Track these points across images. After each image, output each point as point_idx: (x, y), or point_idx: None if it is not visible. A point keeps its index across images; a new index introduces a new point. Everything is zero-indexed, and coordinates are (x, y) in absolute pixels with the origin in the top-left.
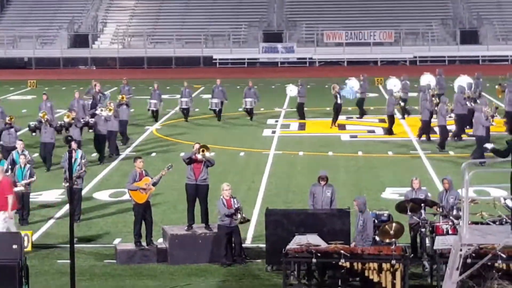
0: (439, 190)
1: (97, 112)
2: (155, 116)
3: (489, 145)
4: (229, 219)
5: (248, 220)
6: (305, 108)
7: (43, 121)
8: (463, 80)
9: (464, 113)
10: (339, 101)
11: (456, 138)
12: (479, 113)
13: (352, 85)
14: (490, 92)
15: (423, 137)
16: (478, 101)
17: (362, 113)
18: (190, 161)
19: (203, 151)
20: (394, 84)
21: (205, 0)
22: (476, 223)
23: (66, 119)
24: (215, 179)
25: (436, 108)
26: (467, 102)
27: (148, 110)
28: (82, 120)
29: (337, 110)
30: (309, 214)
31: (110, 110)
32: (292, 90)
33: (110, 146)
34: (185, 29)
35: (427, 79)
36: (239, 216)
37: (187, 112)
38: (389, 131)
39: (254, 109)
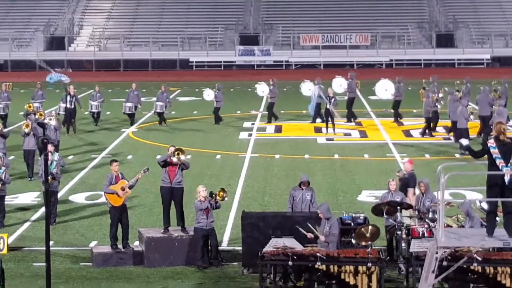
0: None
1: (45, 121)
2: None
3: (464, 141)
4: (205, 221)
5: (225, 196)
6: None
7: None
8: (384, 84)
9: (488, 115)
10: (327, 106)
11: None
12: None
13: (262, 89)
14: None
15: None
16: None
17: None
18: (165, 164)
19: (178, 154)
20: (309, 88)
21: (181, 3)
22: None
23: (26, 129)
24: (192, 182)
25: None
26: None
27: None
28: None
29: (330, 115)
30: (286, 217)
31: (50, 119)
32: (209, 95)
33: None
34: (161, 32)
35: (339, 82)
36: (217, 198)
37: (98, 116)
38: (423, 133)
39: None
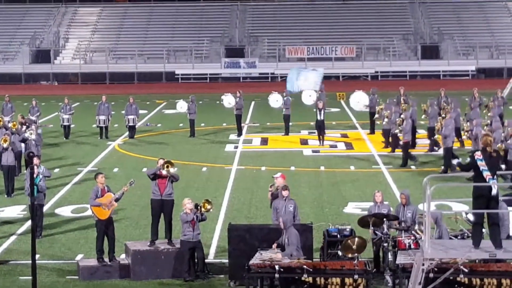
0: None
1: (26, 135)
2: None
3: (455, 161)
4: (192, 233)
5: (210, 208)
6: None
7: None
8: (357, 96)
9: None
10: (319, 118)
11: None
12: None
13: (229, 101)
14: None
15: None
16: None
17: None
18: (155, 176)
19: (167, 166)
20: (276, 99)
21: (167, 15)
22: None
23: (5, 144)
24: (178, 195)
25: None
26: None
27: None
28: None
29: (319, 127)
30: (272, 229)
31: (31, 133)
32: (182, 107)
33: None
34: (147, 45)
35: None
36: (202, 210)
37: (68, 129)
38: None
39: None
